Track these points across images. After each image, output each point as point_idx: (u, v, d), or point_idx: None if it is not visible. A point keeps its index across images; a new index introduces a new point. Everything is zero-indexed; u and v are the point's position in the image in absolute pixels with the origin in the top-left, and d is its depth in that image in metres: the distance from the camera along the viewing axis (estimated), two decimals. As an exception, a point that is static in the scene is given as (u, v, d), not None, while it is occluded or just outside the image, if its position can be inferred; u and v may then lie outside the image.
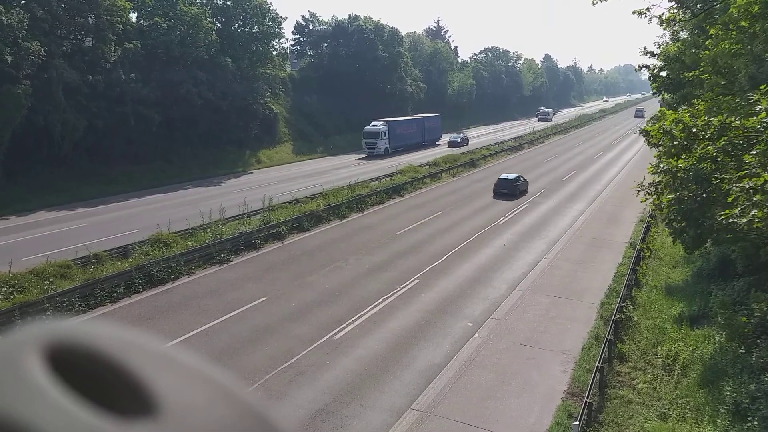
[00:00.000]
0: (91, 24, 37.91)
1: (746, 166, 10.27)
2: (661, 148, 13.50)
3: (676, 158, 12.39)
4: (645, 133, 15.23)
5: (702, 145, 11.70)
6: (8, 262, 18.24)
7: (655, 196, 13.89)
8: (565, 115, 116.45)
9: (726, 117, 11.80)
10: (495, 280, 20.80)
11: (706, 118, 12.10)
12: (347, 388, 13.21)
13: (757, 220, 9.27)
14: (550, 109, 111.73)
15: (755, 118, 11.17)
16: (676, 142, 12.68)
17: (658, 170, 13.02)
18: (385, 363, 14.43)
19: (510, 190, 35.60)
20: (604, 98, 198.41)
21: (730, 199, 9.84)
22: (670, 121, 12.85)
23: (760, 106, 11.24)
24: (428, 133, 64.05)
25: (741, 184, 9.72)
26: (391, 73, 70.66)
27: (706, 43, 16.42)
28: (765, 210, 9.18)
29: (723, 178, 10.87)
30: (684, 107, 15.09)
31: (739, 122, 11.49)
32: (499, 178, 36.76)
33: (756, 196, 9.37)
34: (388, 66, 69.35)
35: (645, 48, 22.14)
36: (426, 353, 15.04)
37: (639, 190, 13.92)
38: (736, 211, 9.58)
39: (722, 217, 10.05)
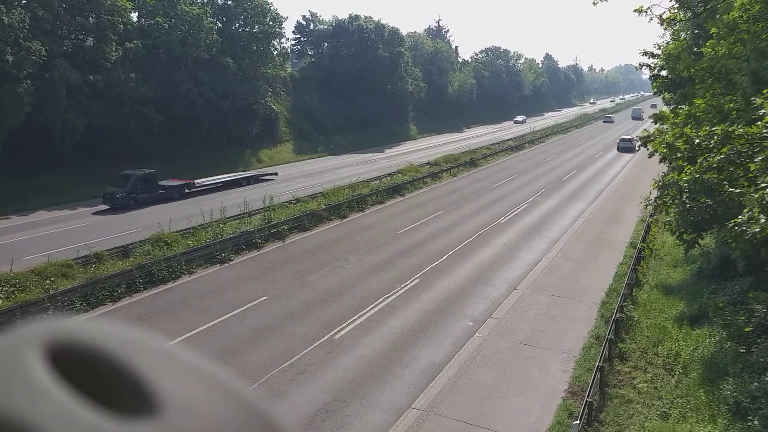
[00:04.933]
0: (92, 24, 37.90)
1: (751, 174, 10.19)
2: (667, 162, 13.44)
3: (678, 173, 12.32)
4: (646, 141, 15.16)
5: (704, 156, 11.60)
6: (9, 261, 18.25)
7: (663, 212, 13.87)
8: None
9: (728, 125, 11.73)
10: (496, 279, 20.80)
11: (708, 128, 12.02)
12: (348, 387, 13.23)
13: None
14: None
15: (760, 123, 11.07)
16: (680, 155, 12.61)
17: (662, 184, 12.98)
18: (385, 362, 14.44)
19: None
20: (558, 109, 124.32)
21: (745, 211, 9.69)
22: (671, 134, 12.81)
23: (763, 111, 11.12)
24: None
25: (756, 195, 9.57)
26: (392, 72, 70.60)
27: (708, 43, 16.38)
28: None
29: (734, 190, 10.71)
30: (684, 107, 15.08)
31: (742, 130, 11.40)
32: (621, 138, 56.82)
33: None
34: (388, 65, 69.29)
35: (645, 50, 22.14)
36: (427, 352, 15.05)
37: (646, 205, 13.92)
38: (743, 219, 9.49)
39: (730, 227, 9.97)
